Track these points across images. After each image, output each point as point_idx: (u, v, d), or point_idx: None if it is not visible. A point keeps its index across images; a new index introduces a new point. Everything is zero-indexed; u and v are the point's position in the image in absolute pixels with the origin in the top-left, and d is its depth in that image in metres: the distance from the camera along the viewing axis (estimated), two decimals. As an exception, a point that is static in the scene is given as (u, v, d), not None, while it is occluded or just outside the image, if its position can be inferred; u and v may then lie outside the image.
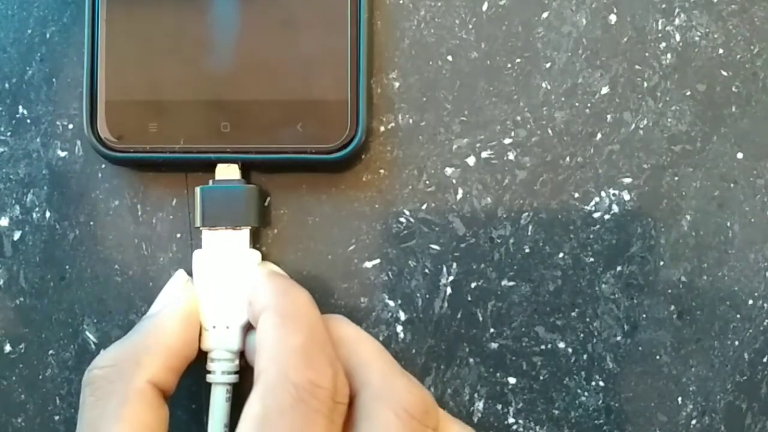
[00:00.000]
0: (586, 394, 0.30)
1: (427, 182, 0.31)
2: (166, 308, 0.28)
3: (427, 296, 0.30)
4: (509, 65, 0.31)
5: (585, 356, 0.30)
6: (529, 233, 0.30)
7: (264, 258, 0.30)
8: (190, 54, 0.29)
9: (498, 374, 0.30)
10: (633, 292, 0.30)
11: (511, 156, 0.31)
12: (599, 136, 0.31)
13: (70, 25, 0.31)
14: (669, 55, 0.31)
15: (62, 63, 0.31)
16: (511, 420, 0.30)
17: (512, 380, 0.30)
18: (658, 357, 0.30)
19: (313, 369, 0.25)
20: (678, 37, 0.31)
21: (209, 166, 0.29)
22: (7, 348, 0.31)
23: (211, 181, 0.29)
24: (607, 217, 0.30)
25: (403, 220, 0.31)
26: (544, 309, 0.30)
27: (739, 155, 0.30)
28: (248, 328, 0.29)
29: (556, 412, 0.30)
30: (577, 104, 0.31)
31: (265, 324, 0.26)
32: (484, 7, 0.31)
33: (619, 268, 0.30)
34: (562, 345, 0.30)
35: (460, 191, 0.31)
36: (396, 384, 0.26)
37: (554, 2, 0.31)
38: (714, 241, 0.30)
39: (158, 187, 0.31)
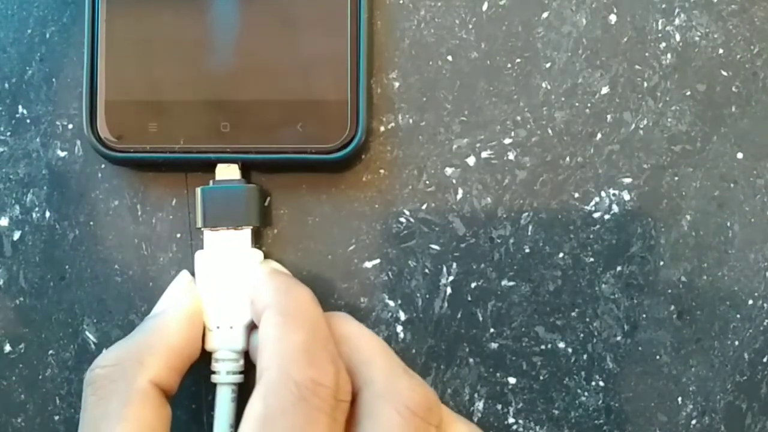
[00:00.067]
0: (586, 394, 0.30)
1: (427, 182, 0.31)
2: (169, 308, 0.28)
3: (427, 296, 0.30)
4: (509, 65, 0.31)
5: (585, 356, 0.30)
6: (529, 233, 0.30)
7: (264, 258, 0.30)
8: (190, 54, 0.29)
9: (498, 374, 0.30)
10: (633, 292, 0.30)
11: (511, 156, 0.31)
12: (599, 136, 0.31)
13: (70, 25, 0.31)
14: (669, 55, 0.31)
15: (62, 63, 0.31)
16: (511, 420, 0.30)
17: (512, 380, 0.30)
18: (658, 357, 0.30)
19: (315, 367, 0.25)
20: (678, 37, 0.31)
21: (209, 166, 0.29)
22: (7, 348, 0.31)
23: (211, 182, 0.29)
24: (607, 217, 0.30)
25: (403, 220, 0.31)
26: (544, 309, 0.30)
27: (739, 155, 0.31)
28: (252, 327, 0.29)
29: (556, 412, 0.30)
30: (577, 104, 0.31)
31: (266, 322, 0.26)
32: (484, 7, 0.31)
33: (619, 268, 0.30)
34: (562, 345, 0.30)
35: (460, 191, 0.31)
36: (399, 382, 0.26)
37: (554, 2, 0.31)
38: (714, 241, 0.30)
39: (158, 187, 0.31)
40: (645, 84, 0.31)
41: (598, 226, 0.30)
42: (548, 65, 0.31)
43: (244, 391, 0.29)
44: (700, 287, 0.30)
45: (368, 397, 0.26)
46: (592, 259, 0.30)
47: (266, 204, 0.30)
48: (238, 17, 0.29)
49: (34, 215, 0.31)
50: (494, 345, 0.30)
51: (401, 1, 0.31)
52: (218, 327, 0.29)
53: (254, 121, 0.29)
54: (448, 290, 0.30)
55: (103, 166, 0.31)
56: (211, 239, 0.29)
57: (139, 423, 0.26)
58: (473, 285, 0.30)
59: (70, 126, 0.31)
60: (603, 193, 0.30)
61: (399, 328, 0.30)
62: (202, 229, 0.29)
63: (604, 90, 0.31)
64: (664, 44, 0.31)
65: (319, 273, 0.30)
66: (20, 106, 0.31)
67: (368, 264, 0.31)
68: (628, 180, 0.30)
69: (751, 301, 0.30)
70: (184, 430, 0.30)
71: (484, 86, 0.31)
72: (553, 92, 0.31)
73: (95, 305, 0.31)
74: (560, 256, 0.30)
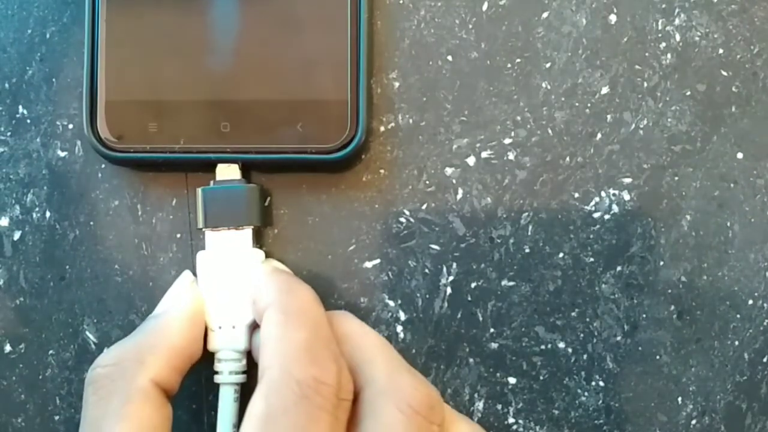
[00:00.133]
0: (586, 394, 0.30)
1: (427, 182, 0.31)
2: (170, 308, 0.28)
3: (427, 296, 0.30)
4: (509, 65, 0.31)
5: (585, 356, 0.30)
6: (529, 233, 0.30)
7: (265, 258, 0.30)
8: (190, 54, 0.29)
9: (498, 374, 0.30)
10: (633, 292, 0.30)
11: (511, 156, 0.31)
12: (599, 136, 0.31)
13: (70, 25, 0.31)
14: (669, 55, 0.31)
15: (62, 63, 0.31)
16: (511, 420, 0.30)
17: (512, 380, 0.30)
18: (658, 357, 0.30)
19: (317, 366, 0.25)
20: (678, 37, 0.31)
21: (209, 166, 0.29)
22: (7, 348, 0.31)
23: (211, 182, 0.29)
24: (607, 217, 0.30)
25: (403, 220, 0.31)
26: (544, 309, 0.30)
27: (739, 155, 0.31)
28: (254, 327, 0.29)
29: (556, 412, 0.30)
30: (577, 104, 0.31)
31: (268, 321, 0.26)
32: (484, 7, 0.31)
33: (619, 268, 0.30)
34: (562, 345, 0.30)
35: (460, 191, 0.31)
36: (401, 380, 0.26)
37: (554, 2, 0.31)
38: (714, 241, 0.30)
39: (158, 187, 0.31)
40: (645, 84, 0.31)
41: (598, 226, 0.30)
42: (548, 65, 0.31)
43: (246, 391, 0.29)
44: (700, 287, 0.30)
45: (370, 395, 0.26)
46: (592, 259, 0.30)
47: (266, 204, 0.30)
48: (238, 17, 0.29)
49: (34, 215, 0.31)
50: (494, 345, 0.30)
51: (401, 1, 0.31)
52: (220, 327, 0.29)
53: (254, 121, 0.29)
54: (448, 290, 0.30)
55: (103, 166, 0.31)
56: (212, 239, 0.29)
57: (139, 422, 0.26)
58: (473, 285, 0.30)
59: (70, 126, 0.31)
60: (603, 193, 0.30)
61: (399, 328, 0.30)
62: (204, 229, 0.29)
63: (604, 90, 0.31)
64: (664, 44, 0.31)
65: (319, 273, 0.30)
66: (20, 106, 0.31)
67: (368, 264, 0.31)
68: (628, 180, 0.30)
69: (751, 301, 0.30)
70: (185, 430, 0.30)
71: (484, 86, 0.31)
72: (553, 92, 0.31)
73: (95, 305, 0.31)
74: (560, 256, 0.30)
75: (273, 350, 0.26)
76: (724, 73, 0.31)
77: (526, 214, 0.30)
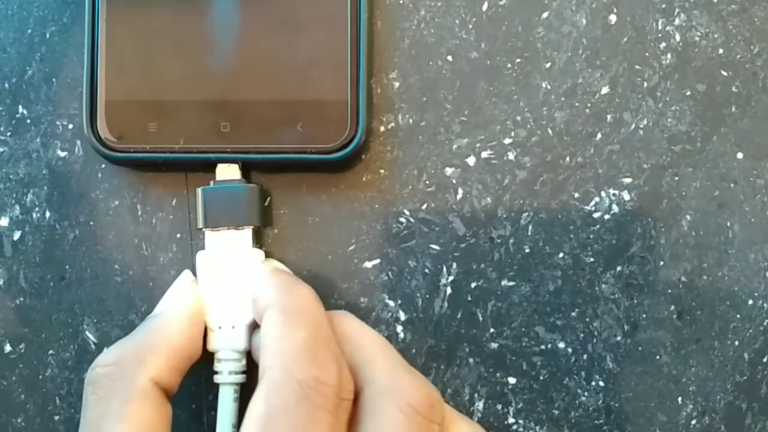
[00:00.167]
0: (586, 394, 0.30)
1: (427, 182, 0.31)
2: (170, 308, 0.28)
3: (427, 296, 0.30)
4: (509, 65, 0.31)
5: (585, 356, 0.30)
6: (529, 233, 0.30)
7: (265, 258, 0.30)
8: (190, 54, 0.29)
9: (498, 374, 0.30)
10: (633, 292, 0.30)
11: (511, 156, 0.31)
12: (599, 136, 0.31)
13: (70, 25, 0.31)
14: (669, 55, 0.31)
15: (62, 63, 0.31)
16: (511, 420, 0.30)
17: (512, 380, 0.30)
18: (658, 357, 0.30)
19: (318, 366, 0.25)
20: (678, 37, 0.31)
21: (209, 166, 0.29)
22: (7, 348, 0.31)
23: (211, 182, 0.29)
24: (607, 217, 0.30)
25: (403, 220, 0.31)
26: (544, 309, 0.30)
27: (739, 155, 0.31)
28: (254, 327, 0.29)
29: (556, 412, 0.30)
30: (577, 104, 0.31)
31: (269, 321, 0.26)
32: (484, 7, 0.31)
33: (619, 268, 0.30)
34: (562, 345, 0.30)
35: (460, 191, 0.31)
36: (401, 380, 0.26)
37: (554, 2, 0.31)
38: (714, 241, 0.30)
39: (158, 187, 0.31)
40: (645, 84, 0.31)
41: (598, 226, 0.30)
42: (548, 65, 0.31)
43: (246, 391, 0.29)
44: (700, 287, 0.30)
45: (370, 395, 0.26)
46: (592, 259, 0.30)
47: (266, 204, 0.30)
48: (238, 17, 0.29)
49: (34, 215, 0.31)
50: (494, 345, 0.30)
51: (401, 1, 0.31)
52: (220, 327, 0.29)
53: (254, 121, 0.29)
54: (448, 290, 0.30)
55: (103, 166, 0.31)
56: (212, 239, 0.29)
57: (139, 422, 0.26)
58: (473, 285, 0.30)
59: (70, 126, 0.31)
60: (603, 193, 0.30)
61: (399, 328, 0.30)
62: (204, 229, 0.29)
63: (604, 90, 0.31)
64: (664, 44, 0.31)
65: (319, 273, 0.30)
66: (20, 106, 0.31)
67: (368, 264, 0.31)
68: (628, 180, 0.30)
69: (751, 301, 0.30)
70: (185, 430, 0.30)
71: (484, 86, 0.31)
72: (553, 92, 0.31)
73: (95, 305, 0.31)
74: (560, 256, 0.30)
75: (274, 350, 0.26)
76: (724, 73, 0.31)
77: (526, 214, 0.30)
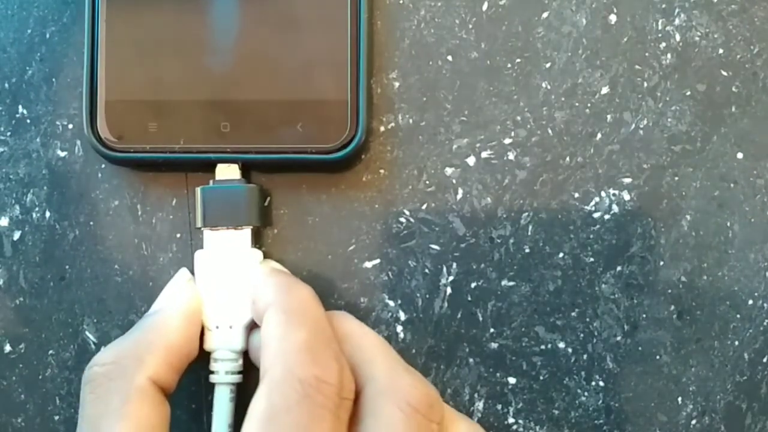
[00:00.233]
0: (586, 394, 0.30)
1: (427, 182, 0.31)
2: (167, 306, 0.28)
3: (427, 296, 0.30)
4: (509, 65, 0.31)
5: (585, 356, 0.30)
6: (529, 233, 0.30)
7: (264, 258, 0.30)
8: (190, 54, 0.29)
9: (498, 374, 0.30)
10: (633, 292, 0.30)
11: (511, 156, 0.31)
12: (599, 136, 0.31)
13: (70, 25, 0.31)
14: (669, 55, 0.31)
15: (62, 63, 0.31)
16: (511, 420, 0.30)
17: (512, 380, 0.30)
18: (658, 357, 0.30)
19: (319, 365, 0.25)
20: (678, 37, 0.31)
21: (209, 166, 0.29)
22: (7, 348, 0.31)
23: (211, 181, 0.29)
24: (607, 217, 0.30)
25: (403, 220, 0.31)
26: (544, 309, 0.30)
27: (739, 155, 0.31)
28: (251, 327, 0.29)
29: (556, 412, 0.30)
30: (577, 104, 0.31)
31: (269, 321, 0.26)
32: (484, 7, 0.31)
33: (619, 268, 0.30)
34: (562, 345, 0.30)
35: (460, 191, 0.31)
36: (400, 379, 0.26)
37: (554, 2, 0.31)
38: (714, 241, 0.30)
39: (158, 187, 0.31)
40: (645, 84, 0.31)
41: (598, 226, 0.30)
42: (548, 65, 0.31)
43: (242, 392, 0.29)
44: (700, 287, 0.30)
45: (370, 394, 0.26)
46: (592, 259, 0.30)
47: (266, 204, 0.30)
48: (238, 17, 0.29)
49: (34, 215, 0.31)
50: (494, 345, 0.30)
51: (401, 1, 0.31)
52: (217, 327, 0.29)
53: (254, 121, 0.29)
54: (448, 290, 0.30)
55: (103, 166, 0.31)
56: (210, 239, 0.29)
57: (138, 421, 0.25)
58: (473, 285, 0.30)
59: (70, 126, 0.31)
60: (603, 193, 0.30)
61: (399, 328, 0.30)
62: (202, 228, 0.29)
63: (604, 90, 0.31)
64: (664, 44, 0.31)
65: (319, 273, 0.30)
66: (20, 106, 0.31)
67: (368, 264, 0.31)
68: (628, 180, 0.30)
69: (751, 301, 0.30)
70: (184, 429, 0.30)
71: (484, 86, 0.31)
72: (553, 92, 0.31)
73: (95, 305, 0.31)
74: (560, 256, 0.30)
75: (275, 350, 0.26)
76: (724, 73, 0.31)
77: (526, 214, 0.30)
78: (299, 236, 0.31)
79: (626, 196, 0.30)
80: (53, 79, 0.31)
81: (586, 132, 0.31)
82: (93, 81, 0.29)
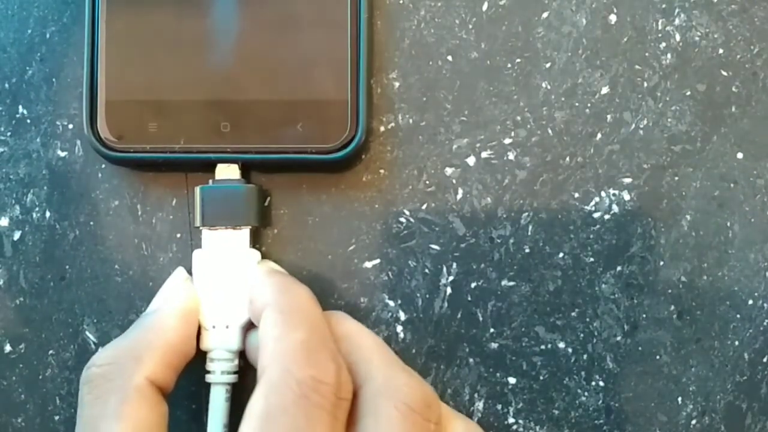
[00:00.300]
0: (586, 394, 0.30)
1: (427, 182, 0.31)
2: (164, 306, 0.28)
3: (427, 296, 0.30)
4: (509, 65, 0.31)
5: (585, 356, 0.30)
6: (529, 233, 0.30)
7: (264, 258, 0.30)
8: (190, 54, 0.29)
9: (498, 374, 0.30)
10: (633, 292, 0.30)
11: (511, 156, 0.31)
12: (599, 136, 0.31)
13: (70, 25, 0.31)
14: (669, 55, 0.31)
15: (62, 63, 0.31)
16: (511, 420, 0.30)
17: (512, 380, 0.30)
18: (658, 357, 0.30)
19: (316, 365, 0.25)
20: (678, 37, 0.31)
21: (209, 166, 0.29)
22: (7, 348, 0.31)
23: (211, 181, 0.29)
24: (607, 217, 0.30)
25: (403, 220, 0.31)
26: (544, 309, 0.30)
27: (739, 155, 0.30)
28: (248, 327, 0.29)
29: (556, 412, 0.30)
30: (577, 104, 0.31)
31: (266, 321, 0.26)
32: (484, 7, 0.31)
33: (619, 268, 0.30)
34: (562, 345, 0.30)
35: (460, 191, 0.31)
36: (397, 379, 0.26)
37: (554, 2, 0.31)
38: (714, 241, 0.30)
39: (158, 187, 0.31)
40: (645, 84, 0.31)
41: (598, 226, 0.30)
42: (548, 65, 0.31)
43: (238, 392, 0.29)
44: (700, 287, 0.30)
45: (367, 394, 0.26)
46: (592, 259, 0.30)
47: (266, 204, 0.30)
48: (238, 17, 0.29)
49: (34, 215, 0.31)
50: (494, 345, 0.30)
51: (401, 1, 0.31)
52: (214, 326, 0.29)
53: (254, 121, 0.29)
54: (448, 290, 0.30)
55: (103, 166, 0.31)
56: (209, 238, 0.29)
57: (136, 421, 0.25)
58: (473, 285, 0.30)
59: (70, 126, 0.31)
60: (603, 193, 0.30)
61: (399, 328, 0.30)
62: (201, 228, 0.29)
63: (604, 90, 0.31)
64: (664, 44, 0.31)
65: (319, 273, 0.30)
66: (20, 106, 0.31)
67: (368, 264, 0.31)
68: (628, 180, 0.30)
69: (751, 301, 0.30)
70: (184, 429, 0.30)
71: (484, 86, 0.31)
72: (553, 92, 0.31)
73: (95, 305, 0.31)
74: (560, 256, 0.30)
75: (272, 350, 0.26)
76: (724, 73, 0.31)
77: (526, 214, 0.30)
78: (299, 236, 0.31)
79: (626, 196, 0.30)
80: (53, 79, 0.31)
81: (586, 132, 0.31)
82: (93, 81, 0.29)
